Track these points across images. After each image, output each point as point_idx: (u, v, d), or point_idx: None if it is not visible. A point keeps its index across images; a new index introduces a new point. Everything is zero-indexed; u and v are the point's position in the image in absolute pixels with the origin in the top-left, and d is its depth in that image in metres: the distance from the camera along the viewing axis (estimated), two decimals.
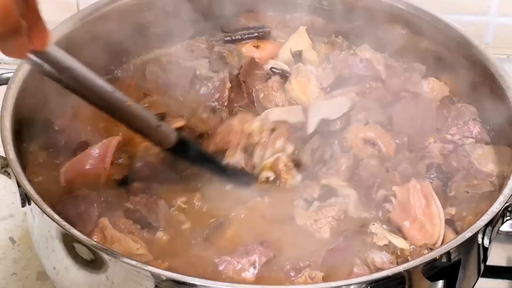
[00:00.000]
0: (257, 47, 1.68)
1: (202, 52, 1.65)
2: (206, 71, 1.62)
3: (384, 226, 1.32)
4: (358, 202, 1.35)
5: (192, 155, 1.38)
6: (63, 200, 1.30)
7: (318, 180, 1.39)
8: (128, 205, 1.31)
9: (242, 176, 1.40)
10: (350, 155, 1.41)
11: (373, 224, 1.31)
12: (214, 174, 1.40)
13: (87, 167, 1.37)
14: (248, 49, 1.67)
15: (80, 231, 1.16)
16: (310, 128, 1.46)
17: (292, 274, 1.22)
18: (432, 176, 1.40)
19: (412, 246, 1.29)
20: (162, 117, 1.41)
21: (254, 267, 1.21)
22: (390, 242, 1.29)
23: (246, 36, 1.70)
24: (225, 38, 1.70)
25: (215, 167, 1.41)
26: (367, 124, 1.45)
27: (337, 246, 1.26)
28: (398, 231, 1.31)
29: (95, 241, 1.16)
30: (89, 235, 1.25)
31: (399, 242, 1.29)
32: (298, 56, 1.62)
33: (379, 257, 1.25)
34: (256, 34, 1.71)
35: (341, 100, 1.50)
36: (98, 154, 1.38)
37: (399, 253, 1.28)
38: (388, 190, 1.35)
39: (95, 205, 1.30)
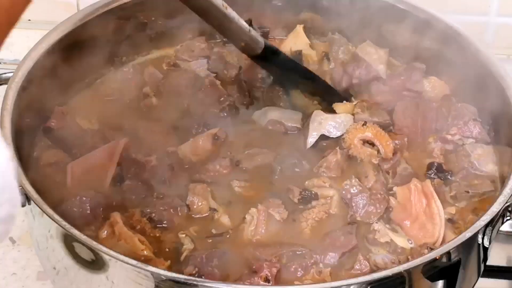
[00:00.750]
0: None
1: (202, 51, 1.65)
2: (204, 71, 1.62)
3: (387, 226, 1.32)
4: (340, 201, 1.35)
5: (279, 62, 1.46)
6: (70, 200, 1.30)
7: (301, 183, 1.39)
8: (147, 210, 1.32)
9: (326, 86, 1.48)
10: (336, 150, 1.41)
11: (376, 223, 1.31)
12: (301, 81, 1.48)
13: (94, 166, 1.37)
14: None
15: (86, 231, 1.16)
16: (309, 143, 1.45)
17: (299, 274, 1.23)
18: (432, 175, 1.40)
19: (412, 245, 1.29)
20: (250, 22, 1.47)
21: (269, 281, 1.21)
22: (391, 240, 1.29)
23: None
24: (224, 39, 1.70)
25: (302, 74, 1.49)
26: (365, 125, 1.45)
27: (353, 246, 1.27)
28: (399, 230, 1.32)
29: (95, 241, 1.16)
30: (97, 231, 1.26)
31: (400, 241, 1.29)
32: (298, 56, 1.62)
33: (381, 258, 1.25)
34: None
35: (344, 118, 1.48)
36: (105, 154, 1.38)
37: (399, 251, 1.28)
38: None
39: (101, 208, 1.30)
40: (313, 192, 1.35)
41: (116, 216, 1.28)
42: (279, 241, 1.29)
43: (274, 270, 1.21)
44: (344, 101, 1.51)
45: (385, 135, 1.44)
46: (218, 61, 1.63)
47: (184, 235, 1.29)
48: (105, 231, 1.27)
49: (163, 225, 1.31)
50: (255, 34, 1.42)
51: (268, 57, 1.44)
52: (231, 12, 1.35)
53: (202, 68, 1.62)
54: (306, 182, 1.38)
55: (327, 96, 1.52)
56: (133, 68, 1.61)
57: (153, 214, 1.31)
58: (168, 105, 1.53)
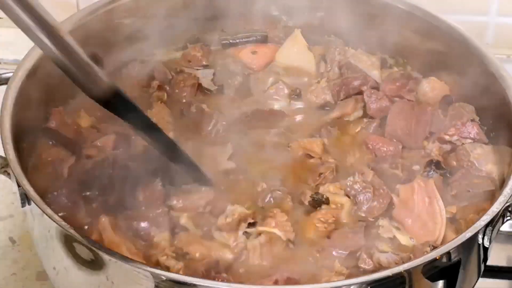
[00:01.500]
0: (254, 53, 1.68)
1: (198, 61, 1.65)
2: (209, 81, 1.61)
3: (394, 223, 1.33)
4: (351, 210, 1.34)
5: (130, 117, 1.24)
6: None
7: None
8: (133, 222, 1.30)
9: (190, 165, 1.33)
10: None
11: (382, 219, 1.32)
12: (153, 145, 1.29)
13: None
14: (245, 55, 1.67)
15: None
16: None
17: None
18: (431, 172, 1.40)
19: (413, 243, 1.30)
20: (95, 58, 1.22)
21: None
22: (394, 236, 1.30)
23: (244, 40, 1.71)
24: (223, 42, 1.71)
25: (156, 138, 1.28)
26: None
27: (360, 246, 1.27)
28: (402, 228, 1.32)
29: (94, 241, 1.16)
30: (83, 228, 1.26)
31: (403, 239, 1.30)
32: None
33: (385, 257, 1.25)
34: (253, 38, 1.71)
35: None
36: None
37: (401, 249, 1.28)
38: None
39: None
40: (324, 196, 1.35)
41: (104, 222, 1.25)
42: (284, 263, 1.27)
43: (285, 275, 1.21)
44: None
45: (304, 140, 1.46)
46: (222, 72, 1.63)
47: (165, 258, 1.24)
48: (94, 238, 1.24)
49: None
50: (98, 70, 1.17)
51: (117, 107, 1.21)
52: (69, 38, 1.13)
53: (207, 78, 1.62)
54: (321, 188, 1.37)
55: (188, 173, 1.34)
56: (138, 66, 1.62)
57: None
58: (170, 104, 1.53)
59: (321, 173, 1.40)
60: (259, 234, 1.29)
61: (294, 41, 1.67)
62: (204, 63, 1.65)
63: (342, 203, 1.35)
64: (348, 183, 1.36)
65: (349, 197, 1.36)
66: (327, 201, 1.35)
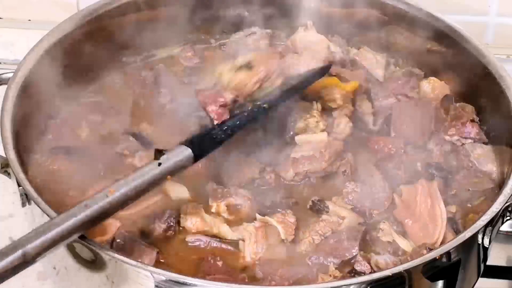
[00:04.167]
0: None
1: (190, 61, 1.65)
2: None
3: (394, 227, 1.32)
4: (349, 226, 1.31)
5: (216, 142, 1.32)
6: None
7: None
8: None
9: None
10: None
11: (384, 222, 1.32)
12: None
13: None
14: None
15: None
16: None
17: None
18: (434, 174, 1.40)
19: (412, 245, 1.29)
20: (160, 152, 1.25)
21: None
22: (393, 240, 1.29)
23: None
24: (221, 43, 1.71)
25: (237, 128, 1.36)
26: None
27: (353, 256, 1.26)
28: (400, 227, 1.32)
29: (95, 241, 1.16)
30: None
31: (403, 243, 1.29)
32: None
33: (383, 259, 1.25)
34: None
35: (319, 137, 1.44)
36: None
37: (400, 253, 1.28)
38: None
39: None
40: (326, 205, 1.34)
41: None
42: (280, 260, 1.27)
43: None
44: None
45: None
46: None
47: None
48: None
49: None
50: (172, 159, 1.24)
51: (203, 150, 1.30)
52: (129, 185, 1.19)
53: None
54: (333, 198, 1.36)
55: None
56: (138, 66, 1.62)
57: None
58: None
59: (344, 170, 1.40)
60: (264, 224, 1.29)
61: (307, 30, 1.63)
62: (195, 61, 1.65)
63: (344, 216, 1.32)
64: (346, 189, 1.35)
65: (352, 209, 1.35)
66: (327, 209, 1.34)
